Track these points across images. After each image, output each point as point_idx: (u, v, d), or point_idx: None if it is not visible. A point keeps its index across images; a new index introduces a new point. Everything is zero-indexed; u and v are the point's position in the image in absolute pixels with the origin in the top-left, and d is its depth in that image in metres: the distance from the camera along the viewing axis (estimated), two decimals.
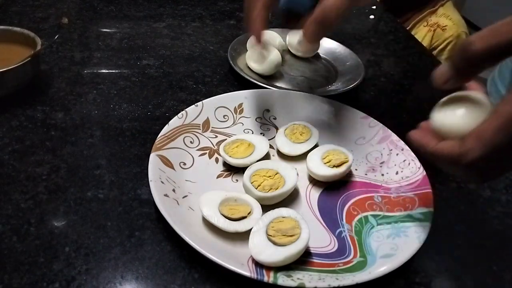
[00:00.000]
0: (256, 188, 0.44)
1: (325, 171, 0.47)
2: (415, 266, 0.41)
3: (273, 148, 0.53)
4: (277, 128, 0.56)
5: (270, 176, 0.45)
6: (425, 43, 1.15)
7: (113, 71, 0.65)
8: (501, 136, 0.29)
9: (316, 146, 0.51)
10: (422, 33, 1.18)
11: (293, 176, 0.45)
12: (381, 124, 0.54)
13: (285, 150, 0.51)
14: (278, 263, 0.38)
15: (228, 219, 0.41)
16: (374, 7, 1.01)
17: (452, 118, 0.34)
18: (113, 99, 0.59)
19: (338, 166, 0.48)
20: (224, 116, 0.55)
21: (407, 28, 1.10)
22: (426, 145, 0.35)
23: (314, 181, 0.49)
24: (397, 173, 0.49)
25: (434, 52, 1.16)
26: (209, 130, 0.53)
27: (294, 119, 0.56)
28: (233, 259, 0.38)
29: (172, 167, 0.47)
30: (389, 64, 0.76)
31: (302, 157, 0.50)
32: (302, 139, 0.52)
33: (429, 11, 1.21)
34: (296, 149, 0.51)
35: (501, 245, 0.45)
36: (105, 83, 0.62)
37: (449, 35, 1.16)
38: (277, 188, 0.44)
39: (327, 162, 0.48)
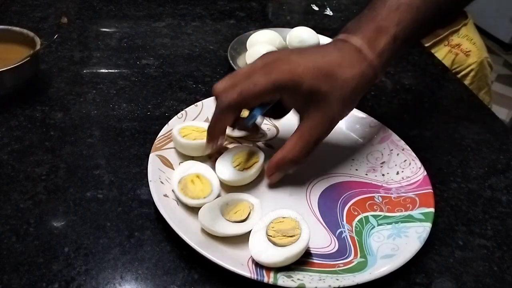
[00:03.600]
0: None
1: (234, 175, 0.45)
2: (416, 267, 0.41)
3: (272, 148, 0.53)
4: (277, 128, 0.55)
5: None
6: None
7: (113, 70, 0.65)
8: None
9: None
10: (442, 53, 1.12)
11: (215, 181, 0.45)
12: (382, 124, 0.54)
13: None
14: (278, 263, 0.37)
15: (239, 222, 0.41)
16: None
17: None
18: (112, 99, 0.59)
19: (248, 168, 0.46)
20: None
21: (426, 45, 1.01)
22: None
23: (315, 181, 0.49)
24: (397, 173, 0.49)
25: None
26: None
27: (294, 118, 0.55)
28: (233, 259, 0.38)
29: (171, 167, 0.47)
30: None
31: None
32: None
33: (451, 30, 1.14)
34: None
35: (501, 245, 0.45)
36: (104, 83, 0.62)
37: (472, 61, 1.10)
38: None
39: (237, 166, 0.46)
